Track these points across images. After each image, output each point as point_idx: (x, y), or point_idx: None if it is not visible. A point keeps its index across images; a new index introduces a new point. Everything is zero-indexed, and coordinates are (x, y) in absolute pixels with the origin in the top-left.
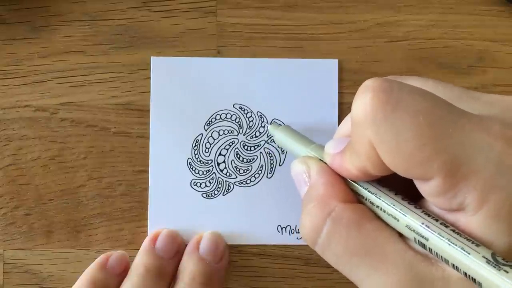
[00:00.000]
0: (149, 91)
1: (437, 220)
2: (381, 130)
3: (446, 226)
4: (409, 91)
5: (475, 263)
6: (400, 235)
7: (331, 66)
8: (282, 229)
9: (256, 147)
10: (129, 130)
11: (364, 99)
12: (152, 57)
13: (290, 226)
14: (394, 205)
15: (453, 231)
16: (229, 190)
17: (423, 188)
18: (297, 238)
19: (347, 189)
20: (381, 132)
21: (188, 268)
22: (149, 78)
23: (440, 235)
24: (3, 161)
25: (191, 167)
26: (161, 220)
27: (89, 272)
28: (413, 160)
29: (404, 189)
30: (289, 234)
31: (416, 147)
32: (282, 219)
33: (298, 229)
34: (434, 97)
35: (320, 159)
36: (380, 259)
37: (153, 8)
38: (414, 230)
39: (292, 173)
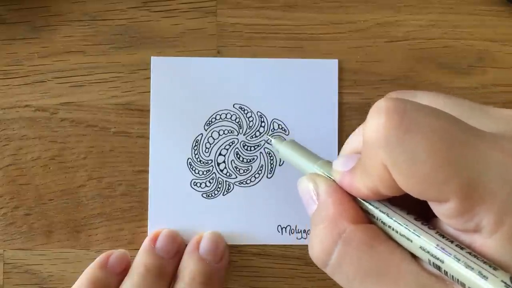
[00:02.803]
0: (149, 91)
1: (452, 242)
2: (395, 152)
3: (462, 248)
4: (423, 111)
5: None
6: (413, 256)
7: (331, 66)
8: (282, 229)
9: (256, 147)
10: (129, 130)
11: (377, 120)
12: (152, 57)
13: (290, 226)
14: (407, 225)
15: (470, 253)
16: (229, 190)
17: (438, 209)
18: (297, 238)
19: (357, 208)
20: (395, 154)
21: (188, 268)
22: (149, 78)
23: (456, 258)
24: (3, 161)
25: (191, 167)
26: (161, 220)
27: (90, 271)
28: (429, 183)
29: (415, 207)
30: (289, 234)
31: (431, 169)
32: (282, 219)
33: (298, 229)
34: (447, 117)
35: (328, 176)
36: (393, 282)
37: (153, 8)
38: (428, 252)
39: (299, 191)
